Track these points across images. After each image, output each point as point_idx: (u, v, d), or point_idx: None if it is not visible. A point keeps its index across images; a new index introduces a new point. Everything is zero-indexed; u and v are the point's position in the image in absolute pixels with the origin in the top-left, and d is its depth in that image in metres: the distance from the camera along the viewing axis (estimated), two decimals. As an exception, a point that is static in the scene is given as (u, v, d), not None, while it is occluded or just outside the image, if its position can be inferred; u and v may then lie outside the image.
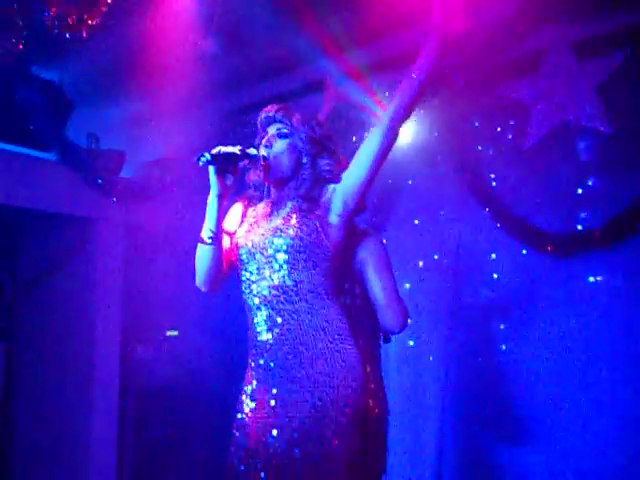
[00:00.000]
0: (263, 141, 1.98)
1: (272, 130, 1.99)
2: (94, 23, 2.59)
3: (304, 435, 1.77)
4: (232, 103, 3.82)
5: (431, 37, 1.97)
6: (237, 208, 2.10)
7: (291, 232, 1.89)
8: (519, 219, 3.07)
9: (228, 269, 2.00)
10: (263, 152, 1.95)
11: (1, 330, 3.78)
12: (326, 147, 2.00)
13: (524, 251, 3.09)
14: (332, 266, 1.94)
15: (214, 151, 1.83)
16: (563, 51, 2.89)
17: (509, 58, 3.02)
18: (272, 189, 2.04)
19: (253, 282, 1.92)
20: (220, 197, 1.88)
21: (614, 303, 2.85)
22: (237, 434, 1.90)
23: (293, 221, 1.91)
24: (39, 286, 3.78)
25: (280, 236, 1.90)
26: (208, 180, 1.89)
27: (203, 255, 1.93)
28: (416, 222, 3.47)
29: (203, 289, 2.01)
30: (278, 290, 1.88)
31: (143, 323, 3.83)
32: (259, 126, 2.04)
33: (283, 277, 1.88)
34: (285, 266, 1.88)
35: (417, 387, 3.36)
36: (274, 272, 1.89)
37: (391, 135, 1.93)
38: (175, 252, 3.86)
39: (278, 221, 1.95)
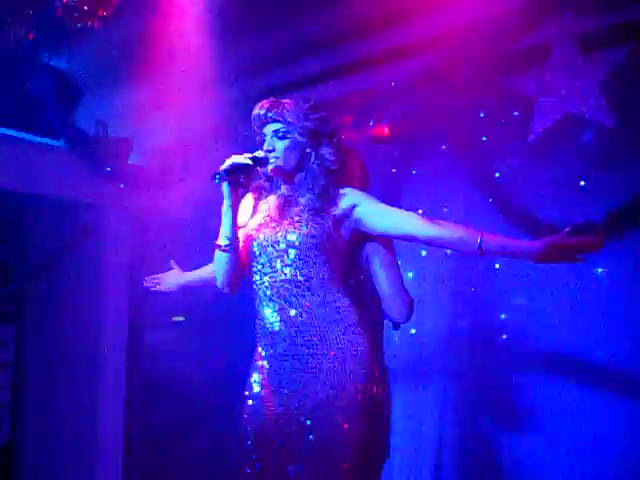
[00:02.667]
0: (264, 146, 1.99)
1: (268, 132, 2.00)
2: (105, 14, 2.62)
3: (315, 421, 1.84)
4: (241, 90, 3.83)
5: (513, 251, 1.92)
6: (248, 200, 2.13)
7: (304, 230, 1.94)
8: (522, 210, 3.09)
9: (245, 267, 2.04)
10: (270, 160, 1.98)
11: (11, 314, 3.85)
12: (324, 133, 2.02)
13: (527, 242, 3.11)
14: (342, 261, 2.01)
15: (226, 166, 1.89)
16: (568, 44, 2.90)
17: (514, 50, 3.03)
18: (282, 183, 2.07)
19: (265, 274, 1.97)
20: (233, 207, 1.94)
21: (616, 294, 2.87)
22: (247, 418, 1.95)
23: (306, 219, 1.96)
24: (48, 271, 3.84)
25: (293, 232, 1.94)
26: (215, 168, 1.94)
27: (221, 261, 1.99)
28: (419, 212, 3.49)
29: (225, 291, 2.06)
30: (290, 284, 1.93)
31: (150, 309, 3.88)
32: (254, 125, 2.05)
33: (295, 272, 1.93)
34: (297, 261, 1.93)
35: (418, 375, 3.41)
36: (286, 266, 1.94)
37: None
38: (182, 237, 3.91)
39: (291, 217, 1.99)
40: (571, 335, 2.97)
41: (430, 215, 3.33)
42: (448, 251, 3.36)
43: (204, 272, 2.38)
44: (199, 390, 3.74)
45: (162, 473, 3.77)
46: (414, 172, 3.52)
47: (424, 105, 3.27)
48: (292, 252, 1.94)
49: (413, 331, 3.42)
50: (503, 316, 3.20)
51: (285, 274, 1.94)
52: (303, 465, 1.84)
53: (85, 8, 2.54)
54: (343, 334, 1.92)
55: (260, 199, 2.12)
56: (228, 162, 1.90)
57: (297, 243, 1.93)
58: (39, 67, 3.19)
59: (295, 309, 1.93)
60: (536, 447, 3.03)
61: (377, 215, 1.97)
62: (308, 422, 1.84)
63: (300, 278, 1.93)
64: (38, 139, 3.42)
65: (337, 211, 1.98)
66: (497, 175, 3.20)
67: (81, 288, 3.69)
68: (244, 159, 1.91)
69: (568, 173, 2.97)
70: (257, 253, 1.99)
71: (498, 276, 3.22)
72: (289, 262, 1.94)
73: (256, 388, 1.96)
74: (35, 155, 3.39)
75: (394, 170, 3.52)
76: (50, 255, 3.84)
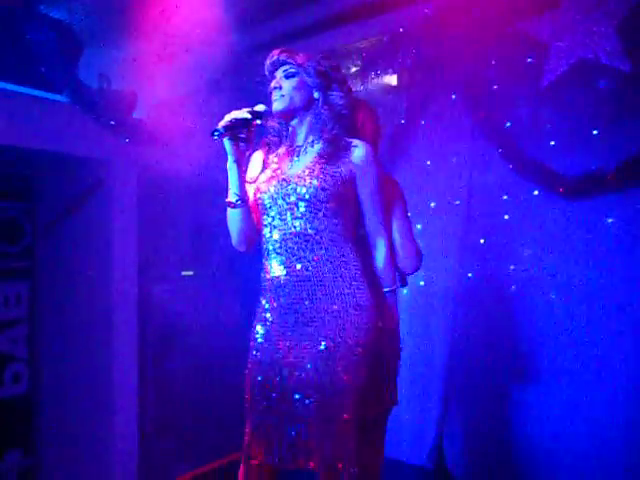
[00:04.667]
0: (272, 84, 2.00)
1: (279, 73, 2.02)
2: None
3: (315, 372, 1.87)
4: (244, 41, 3.74)
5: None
6: (257, 156, 2.12)
7: (315, 182, 1.92)
8: (532, 160, 3.05)
9: (259, 223, 2.04)
10: (275, 97, 1.98)
11: (24, 270, 3.87)
12: (334, 78, 2.02)
13: (536, 192, 3.09)
14: (353, 214, 2.00)
15: (225, 122, 1.87)
16: (584, -14, 2.80)
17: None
18: (290, 129, 2.05)
19: (274, 227, 1.97)
20: (238, 162, 1.94)
21: (626, 245, 2.86)
22: (250, 368, 1.99)
23: (317, 171, 1.94)
24: (57, 227, 3.85)
25: (303, 185, 1.93)
26: (216, 120, 1.92)
27: (234, 218, 2.00)
28: (428, 163, 3.46)
29: (240, 249, 2.07)
30: (299, 237, 1.93)
31: (159, 262, 3.91)
32: (267, 73, 2.06)
33: (304, 224, 1.93)
34: (307, 214, 1.93)
35: (428, 326, 3.44)
36: (295, 219, 1.94)
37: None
38: (189, 192, 3.90)
39: (301, 168, 1.98)
40: (580, 286, 2.97)
41: (439, 165, 3.35)
42: (457, 202, 3.35)
43: None
44: (210, 341, 3.79)
45: (176, 422, 3.88)
46: (423, 122, 3.47)
47: (433, 52, 3.19)
48: (302, 205, 1.93)
49: (422, 283, 3.43)
50: (512, 267, 3.19)
51: (295, 227, 1.94)
52: (304, 420, 1.87)
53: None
54: (348, 288, 1.92)
55: (270, 153, 2.10)
56: (227, 118, 1.90)
57: (307, 196, 1.92)
58: (39, 19, 3.10)
59: (301, 263, 1.93)
60: (545, 397, 3.07)
61: (363, 190, 1.99)
62: (308, 374, 1.87)
63: (310, 231, 1.93)
64: (41, 93, 3.36)
65: (349, 162, 1.96)
66: (508, 124, 3.14)
67: (91, 242, 3.71)
68: (243, 114, 1.90)
69: (580, 121, 2.91)
70: (267, 206, 1.99)
71: (508, 227, 3.20)
72: (299, 215, 1.93)
73: (259, 339, 1.99)
74: (38, 110, 3.34)
75: (403, 121, 3.46)
76: (58, 211, 3.84)
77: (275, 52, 2.03)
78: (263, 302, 2.01)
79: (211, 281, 4.01)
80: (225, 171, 1.98)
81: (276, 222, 1.97)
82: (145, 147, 3.66)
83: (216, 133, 1.86)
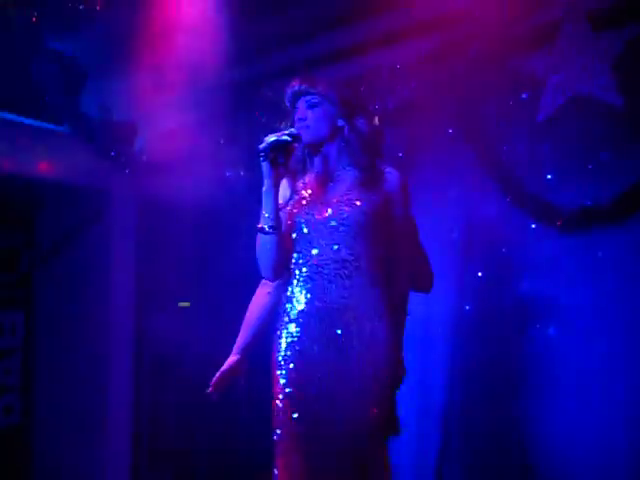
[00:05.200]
0: (296, 115, 1.99)
1: (302, 103, 2.00)
2: (106, -5, 2.60)
3: (349, 405, 1.86)
4: (245, 74, 3.80)
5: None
6: (283, 183, 2.10)
7: (356, 207, 1.92)
8: (529, 193, 3.06)
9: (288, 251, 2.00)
10: (300, 127, 1.97)
11: (20, 299, 3.87)
12: (357, 105, 2.03)
13: (533, 225, 3.10)
14: (386, 240, 1.98)
15: (266, 144, 1.87)
16: (578, 22, 2.85)
17: (523, 29, 2.97)
18: (315, 159, 2.05)
19: (310, 253, 1.94)
20: (276, 186, 1.92)
21: (622, 279, 2.86)
22: (286, 404, 1.93)
23: (356, 196, 1.94)
24: (55, 256, 3.86)
25: (344, 210, 1.92)
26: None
27: (266, 245, 1.93)
28: (426, 196, 3.47)
29: (268, 278, 2.01)
30: (337, 262, 1.91)
31: (157, 293, 3.90)
32: (288, 104, 2.04)
33: (344, 250, 1.91)
34: (348, 239, 1.91)
35: (425, 359, 3.40)
36: (335, 244, 1.92)
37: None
38: (188, 223, 3.91)
39: (339, 193, 1.97)
40: (579, 319, 2.96)
41: (437, 198, 3.37)
42: (455, 235, 3.36)
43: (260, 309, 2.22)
44: (206, 373, 3.75)
45: (170, 455, 3.81)
46: (420, 157, 3.49)
47: (431, 88, 3.23)
48: (343, 229, 1.91)
49: (419, 315, 3.41)
50: (511, 300, 3.18)
51: (334, 252, 1.91)
52: (337, 454, 1.85)
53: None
54: (379, 320, 1.92)
55: (296, 180, 2.08)
56: (268, 140, 1.88)
57: (349, 221, 1.91)
58: (43, 51, 3.17)
59: (338, 289, 1.90)
60: (541, 427, 3.03)
61: (396, 216, 2.00)
62: (344, 407, 1.86)
63: (349, 257, 1.91)
64: (42, 124, 3.41)
65: (383, 189, 1.97)
66: (505, 158, 3.17)
67: (88, 273, 3.71)
68: (282, 136, 1.89)
69: (576, 155, 2.94)
70: (305, 231, 1.95)
71: (505, 260, 3.20)
72: (339, 240, 1.91)
73: (292, 372, 1.94)
74: (40, 140, 3.38)
75: (400, 154, 3.48)
76: (57, 240, 3.85)
77: (295, 81, 2.01)
78: (292, 331, 1.95)
79: (208, 312, 3.99)
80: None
81: (314, 248, 1.94)
82: (145, 178, 3.69)
83: (262, 154, 1.86)
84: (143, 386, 3.79)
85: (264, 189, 1.91)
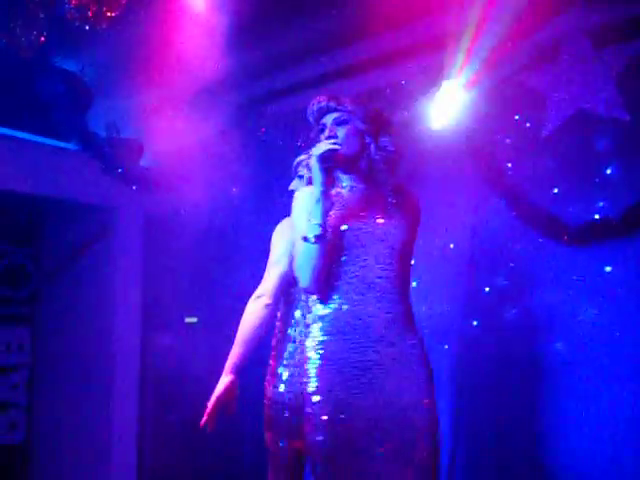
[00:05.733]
0: (325, 133, 1.98)
1: (328, 120, 1.99)
2: (113, 15, 2.64)
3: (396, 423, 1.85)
4: (249, 93, 3.84)
5: None
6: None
7: (394, 224, 1.94)
8: (535, 208, 3.06)
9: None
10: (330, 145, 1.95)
11: (26, 316, 3.88)
12: (382, 122, 2.03)
13: (540, 240, 3.09)
14: (409, 258, 2.00)
15: (322, 151, 1.87)
16: (580, 39, 2.87)
17: (526, 46, 3.00)
18: (343, 175, 2.04)
19: (351, 270, 1.92)
20: (326, 194, 1.90)
21: (630, 293, 2.84)
22: (338, 432, 1.85)
23: (389, 212, 1.96)
24: (62, 274, 3.87)
25: (385, 226, 1.94)
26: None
27: (311, 254, 1.87)
28: (433, 211, 3.47)
29: (312, 289, 1.93)
30: (379, 278, 1.90)
31: (163, 310, 3.90)
32: (311, 119, 2.04)
33: (386, 267, 1.91)
34: (385, 255, 1.92)
35: (434, 374, 3.38)
36: (375, 259, 1.91)
37: None
38: (194, 239, 3.92)
39: (373, 209, 1.97)
40: (586, 334, 2.94)
41: (443, 213, 3.38)
42: (462, 250, 3.36)
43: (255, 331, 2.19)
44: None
45: (175, 474, 3.78)
46: (427, 172, 3.50)
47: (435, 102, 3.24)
48: (385, 246, 1.92)
49: (427, 331, 3.39)
50: (517, 315, 3.17)
51: (374, 267, 1.91)
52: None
53: (93, 9, 2.55)
54: (412, 337, 1.92)
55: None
56: (323, 148, 1.88)
57: (391, 237, 1.93)
58: (50, 70, 3.21)
59: (372, 304, 1.89)
60: (551, 442, 3.00)
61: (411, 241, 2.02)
62: (391, 425, 1.84)
63: (390, 274, 1.91)
64: (50, 142, 3.44)
65: (410, 210, 2.01)
66: (510, 172, 3.17)
67: (94, 290, 3.72)
68: (331, 145, 1.88)
69: (581, 169, 2.94)
70: (346, 247, 1.93)
71: (512, 275, 3.19)
72: (381, 256, 1.91)
73: (337, 393, 1.87)
74: (48, 158, 3.42)
75: (406, 170, 3.49)
76: (63, 257, 3.86)
77: (322, 98, 2.00)
78: (330, 346, 1.90)
79: (214, 328, 3.98)
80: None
81: (355, 267, 1.92)
82: (151, 195, 3.71)
83: (319, 161, 1.86)
84: (148, 403, 3.77)
85: (315, 197, 1.89)
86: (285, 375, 2.25)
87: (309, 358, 1.92)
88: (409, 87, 3.30)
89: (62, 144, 3.46)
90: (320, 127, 2.02)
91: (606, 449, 2.83)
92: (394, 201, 1.98)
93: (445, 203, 3.41)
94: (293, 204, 2.04)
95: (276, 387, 2.25)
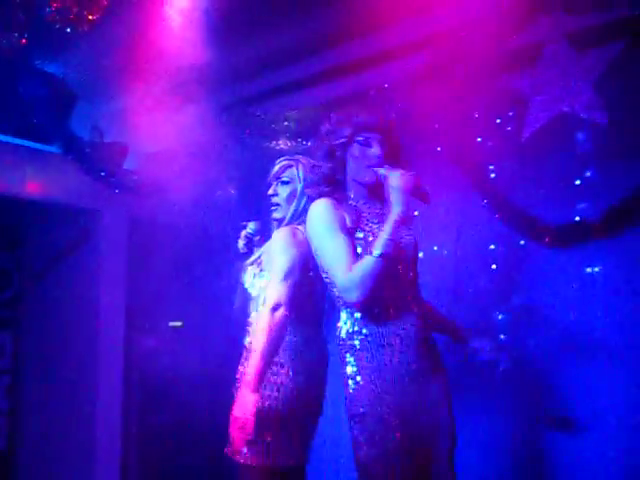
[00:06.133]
0: (376, 151, 2.04)
1: (375, 138, 2.07)
2: (95, 18, 2.63)
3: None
4: (234, 94, 3.83)
5: None
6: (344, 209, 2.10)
7: (412, 238, 2.09)
8: (517, 210, 3.08)
9: None
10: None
11: (8, 319, 3.85)
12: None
13: (522, 242, 3.12)
14: None
15: (412, 183, 1.98)
16: (561, 42, 2.89)
17: (507, 50, 3.02)
18: (370, 194, 2.12)
19: (397, 284, 2.01)
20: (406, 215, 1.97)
21: (611, 294, 2.87)
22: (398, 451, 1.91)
23: (407, 229, 2.08)
24: (45, 277, 3.84)
25: (408, 242, 2.06)
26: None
27: (376, 270, 1.89)
28: (416, 213, 3.48)
29: (362, 302, 1.93)
30: (415, 289, 2.07)
31: (147, 314, 3.88)
32: (350, 126, 2.06)
33: (415, 278, 2.07)
34: (413, 268, 2.07)
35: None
36: (408, 272, 2.05)
37: None
38: (179, 242, 3.91)
39: (405, 231, 2.07)
40: (568, 335, 2.97)
41: (425, 216, 3.40)
42: (445, 252, 3.38)
43: None
44: (196, 394, 3.73)
45: (160, 475, 3.76)
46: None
47: (417, 107, 3.26)
48: (411, 259, 2.06)
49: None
50: (500, 317, 3.19)
51: (410, 282, 2.05)
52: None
53: (75, 12, 2.54)
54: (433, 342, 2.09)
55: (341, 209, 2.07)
56: (412, 180, 1.99)
57: (414, 252, 2.08)
58: (32, 73, 3.19)
59: (415, 317, 2.01)
60: (536, 439, 3.02)
61: None
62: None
63: (416, 289, 2.07)
64: (33, 144, 3.42)
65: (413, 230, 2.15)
66: (492, 175, 3.19)
67: (77, 293, 3.69)
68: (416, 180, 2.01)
69: (562, 171, 2.97)
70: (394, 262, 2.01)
71: (495, 276, 3.21)
72: (410, 269, 2.05)
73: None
74: (30, 161, 3.39)
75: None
76: (46, 260, 3.84)
77: (381, 121, 2.09)
78: (387, 358, 1.96)
79: (200, 330, 3.97)
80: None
81: (397, 276, 2.01)
82: (135, 198, 3.69)
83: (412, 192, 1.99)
84: (132, 405, 3.75)
85: (397, 217, 1.92)
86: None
87: (353, 377, 1.97)
88: (392, 89, 3.32)
89: (45, 147, 3.43)
90: (362, 139, 2.04)
91: (589, 446, 2.86)
92: (405, 219, 2.03)
93: (427, 208, 3.43)
94: (315, 216, 2.02)
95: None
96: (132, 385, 3.76)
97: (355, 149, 2.05)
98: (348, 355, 1.97)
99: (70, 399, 3.58)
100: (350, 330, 1.98)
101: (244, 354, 2.33)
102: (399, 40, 3.27)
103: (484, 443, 3.14)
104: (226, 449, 2.21)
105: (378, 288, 1.90)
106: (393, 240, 1.90)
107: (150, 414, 3.84)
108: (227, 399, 2.20)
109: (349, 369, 1.96)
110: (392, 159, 2.07)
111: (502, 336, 3.16)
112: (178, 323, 4.13)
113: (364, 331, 1.96)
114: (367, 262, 1.90)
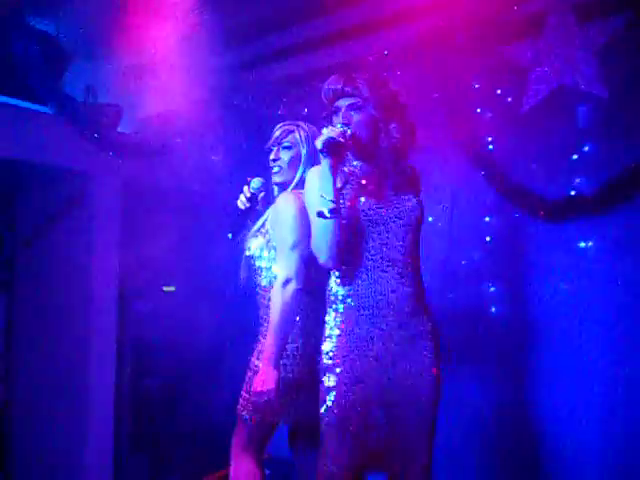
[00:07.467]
0: (339, 118, 2.01)
1: (343, 105, 2.02)
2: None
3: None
4: (230, 58, 3.77)
5: None
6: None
7: (407, 204, 2.04)
8: (513, 183, 3.08)
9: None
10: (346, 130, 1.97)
11: (1, 282, 3.83)
12: (395, 108, 2.06)
13: (516, 215, 3.12)
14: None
15: (324, 139, 1.89)
16: (563, 13, 2.85)
17: (509, 20, 2.97)
18: (357, 157, 2.09)
19: (372, 247, 1.99)
20: (333, 167, 1.92)
21: (605, 268, 2.89)
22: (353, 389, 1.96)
23: (406, 194, 2.05)
24: (38, 239, 3.82)
25: (399, 208, 2.02)
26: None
27: (327, 230, 1.91)
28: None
29: (329, 264, 1.97)
30: (398, 258, 2.00)
31: (140, 277, 3.88)
32: (325, 99, 2.07)
33: (402, 245, 2.00)
34: (403, 235, 2.02)
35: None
36: (396, 239, 2.00)
37: None
38: (172, 206, 3.89)
39: (389, 192, 2.04)
40: (560, 308, 3.00)
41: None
42: (439, 224, 3.38)
43: None
44: (188, 358, 3.76)
45: (152, 439, 3.82)
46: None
47: (417, 76, 3.22)
48: (402, 223, 2.00)
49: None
50: (493, 289, 3.21)
51: (395, 248, 1.99)
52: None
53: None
54: (426, 312, 2.08)
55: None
56: (329, 135, 1.90)
57: (406, 215, 2.01)
58: (25, 31, 3.11)
59: (400, 280, 1.99)
60: (527, 415, 3.07)
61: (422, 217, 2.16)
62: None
63: (407, 251, 2.01)
64: (25, 104, 3.35)
65: (419, 189, 2.13)
66: (490, 147, 3.18)
67: (71, 256, 3.67)
68: (338, 137, 1.90)
69: (560, 145, 2.96)
70: (366, 223, 1.98)
71: (489, 249, 3.22)
72: (400, 233, 2.01)
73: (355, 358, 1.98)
74: (23, 121, 3.33)
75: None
76: (40, 223, 3.80)
77: (338, 81, 2.02)
78: (356, 319, 1.99)
79: (193, 297, 3.98)
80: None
81: (376, 241, 1.99)
82: (129, 161, 3.65)
83: (322, 150, 1.90)
84: (125, 369, 3.78)
85: (324, 174, 1.91)
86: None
87: (330, 336, 2.00)
88: (392, 56, 3.27)
89: (37, 107, 3.37)
90: (333, 109, 2.04)
91: (578, 422, 2.91)
92: (402, 180, 2.05)
93: (423, 176, 3.41)
94: (306, 184, 2.06)
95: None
96: (125, 348, 3.78)
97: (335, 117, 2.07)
98: (327, 315, 2.03)
99: (63, 360, 3.60)
100: (332, 291, 2.03)
101: (263, 326, 2.30)
102: (400, 6, 3.21)
103: (474, 409, 3.20)
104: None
105: (339, 248, 1.92)
106: (332, 199, 1.88)
107: (143, 377, 3.88)
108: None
109: (327, 328, 2.02)
110: (386, 122, 2.02)
111: (493, 308, 3.20)
112: (171, 288, 4.13)
113: (340, 292, 2.00)
114: (315, 224, 1.95)
